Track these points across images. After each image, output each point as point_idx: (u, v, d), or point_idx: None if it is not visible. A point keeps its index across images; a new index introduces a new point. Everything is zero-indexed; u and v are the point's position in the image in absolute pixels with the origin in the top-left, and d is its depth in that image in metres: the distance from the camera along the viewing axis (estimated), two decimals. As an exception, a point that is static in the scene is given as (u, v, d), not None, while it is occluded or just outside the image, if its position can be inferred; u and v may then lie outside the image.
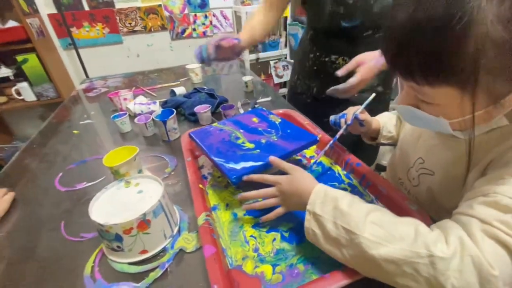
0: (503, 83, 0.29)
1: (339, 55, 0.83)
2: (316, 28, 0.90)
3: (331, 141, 0.63)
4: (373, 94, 0.62)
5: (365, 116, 0.62)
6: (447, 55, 0.29)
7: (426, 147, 0.51)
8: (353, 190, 0.58)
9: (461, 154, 0.41)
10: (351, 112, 0.61)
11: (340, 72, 0.70)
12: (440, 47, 0.29)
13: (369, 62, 0.68)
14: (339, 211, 0.38)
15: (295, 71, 1.07)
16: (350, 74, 0.70)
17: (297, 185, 0.45)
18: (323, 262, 0.43)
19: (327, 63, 0.89)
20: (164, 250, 0.49)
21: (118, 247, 0.46)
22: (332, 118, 0.66)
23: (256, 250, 0.47)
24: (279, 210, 0.48)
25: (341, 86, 0.71)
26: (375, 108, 0.66)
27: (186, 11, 2.20)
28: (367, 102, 0.61)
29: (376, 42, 0.75)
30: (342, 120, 0.62)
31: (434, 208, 0.40)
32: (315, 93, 0.98)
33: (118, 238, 0.45)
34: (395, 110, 0.47)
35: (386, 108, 0.98)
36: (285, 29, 2.41)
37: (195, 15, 2.23)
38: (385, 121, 0.66)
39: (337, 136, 0.62)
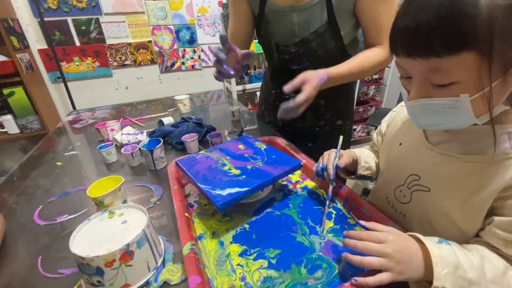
0: None
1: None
2: (272, 67, 0.98)
3: (327, 201, 0.59)
4: (341, 137, 0.64)
5: (343, 159, 0.60)
6: (464, 17, 0.31)
7: (423, 164, 0.50)
8: (338, 213, 0.59)
9: (464, 172, 0.43)
10: (329, 164, 0.59)
11: (286, 88, 0.70)
12: (458, 11, 0.32)
13: (313, 80, 0.70)
14: (466, 281, 0.37)
15: (261, 102, 1.14)
16: (297, 92, 0.71)
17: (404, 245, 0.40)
18: (311, 288, 0.43)
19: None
20: (147, 284, 0.47)
21: (98, 282, 0.44)
22: (314, 169, 0.64)
23: (243, 279, 0.46)
24: (383, 277, 0.38)
25: (291, 104, 0.70)
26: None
27: (175, 47, 2.30)
28: (339, 147, 0.63)
29: None
30: (326, 174, 0.60)
31: (423, 221, 0.41)
32: (281, 125, 1.04)
33: (99, 271, 0.43)
34: (406, 110, 0.44)
35: (348, 139, 1.04)
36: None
37: (184, 50, 2.34)
38: (359, 153, 0.66)
39: (330, 193, 0.59)
